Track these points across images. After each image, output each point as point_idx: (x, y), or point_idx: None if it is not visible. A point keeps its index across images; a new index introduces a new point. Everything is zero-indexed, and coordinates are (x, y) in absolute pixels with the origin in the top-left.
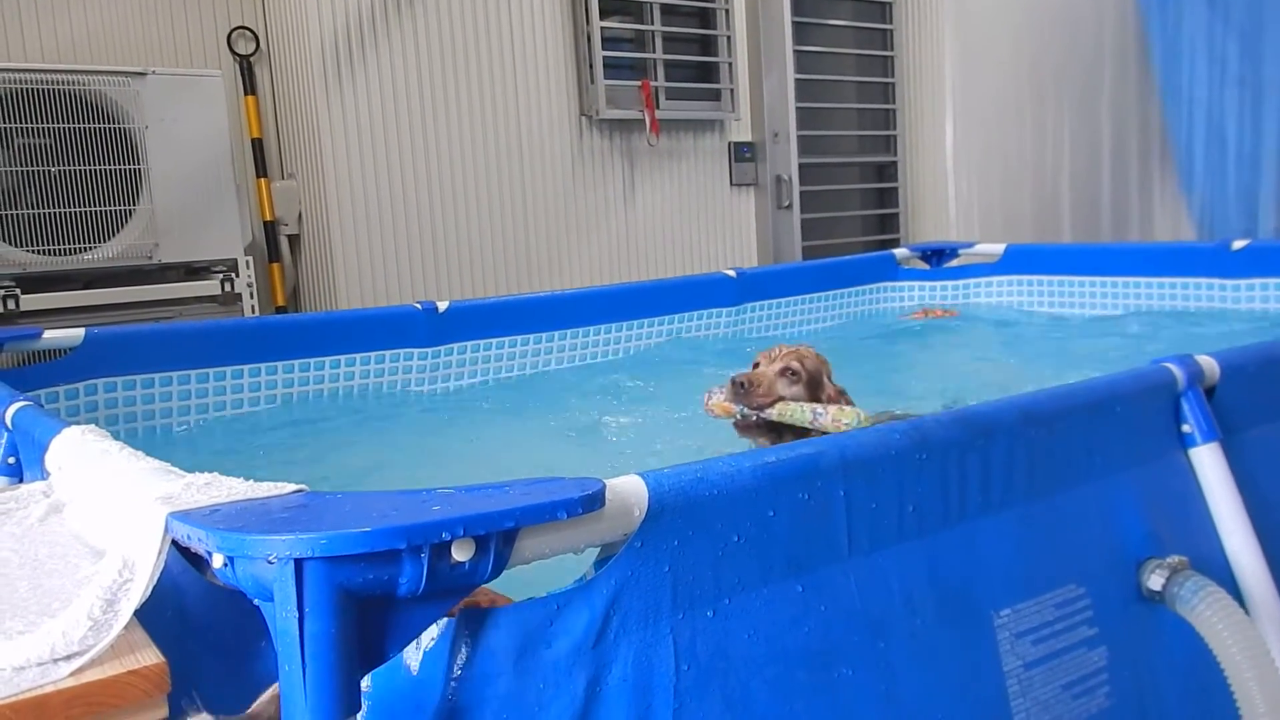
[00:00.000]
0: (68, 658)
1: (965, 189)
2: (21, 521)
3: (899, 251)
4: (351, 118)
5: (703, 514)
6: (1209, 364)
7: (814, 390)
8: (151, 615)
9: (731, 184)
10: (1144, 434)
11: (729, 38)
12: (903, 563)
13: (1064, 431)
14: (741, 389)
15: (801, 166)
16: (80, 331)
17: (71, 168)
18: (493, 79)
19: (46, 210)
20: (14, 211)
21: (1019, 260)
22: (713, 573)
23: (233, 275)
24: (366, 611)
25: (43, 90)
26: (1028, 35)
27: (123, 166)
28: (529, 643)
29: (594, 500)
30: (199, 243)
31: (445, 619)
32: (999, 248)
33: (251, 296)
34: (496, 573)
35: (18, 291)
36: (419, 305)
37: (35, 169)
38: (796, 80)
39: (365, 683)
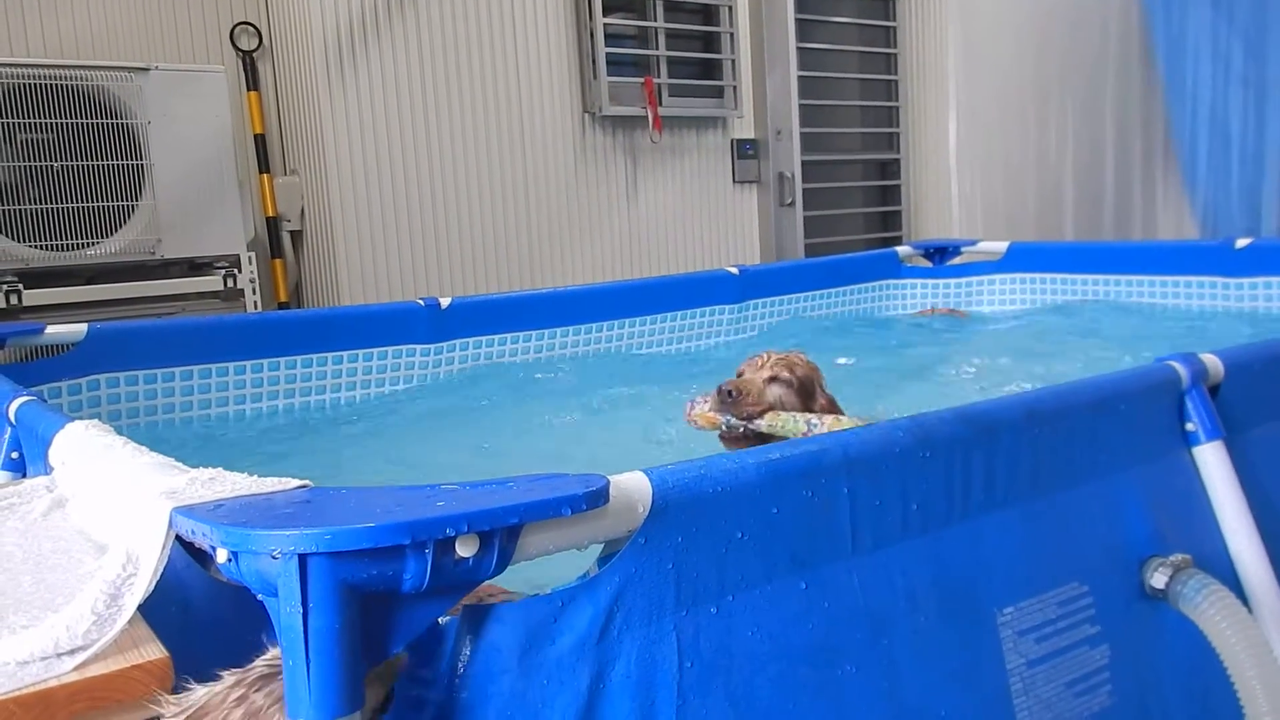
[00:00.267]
0: (71, 652)
1: (968, 187)
2: (25, 516)
3: (902, 249)
4: (354, 114)
5: (706, 511)
6: (1213, 362)
7: (806, 399)
8: (155, 610)
9: (734, 181)
10: (1148, 432)
11: (732, 34)
12: (906, 560)
13: (1067, 429)
14: (729, 398)
15: (804, 164)
16: (83, 327)
17: (74, 163)
18: (495, 75)
19: (49, 206)
20: (17, 207)
21: (1022, 258)
22: (716, 569)
23: (235, 271)
24: (370, 607)
25: (46, 86)
26: (1031, 33)
27: (125, 162)
28: (533, 639)
29: (598, 497)
30: (202, 238)
31: (449, 615)
32: (1002, 245)
33: (254, 292)
34: (500, 569)
35: (20, 287)
36: (421, 302)
37: (38, 164)
38: (799, 77)
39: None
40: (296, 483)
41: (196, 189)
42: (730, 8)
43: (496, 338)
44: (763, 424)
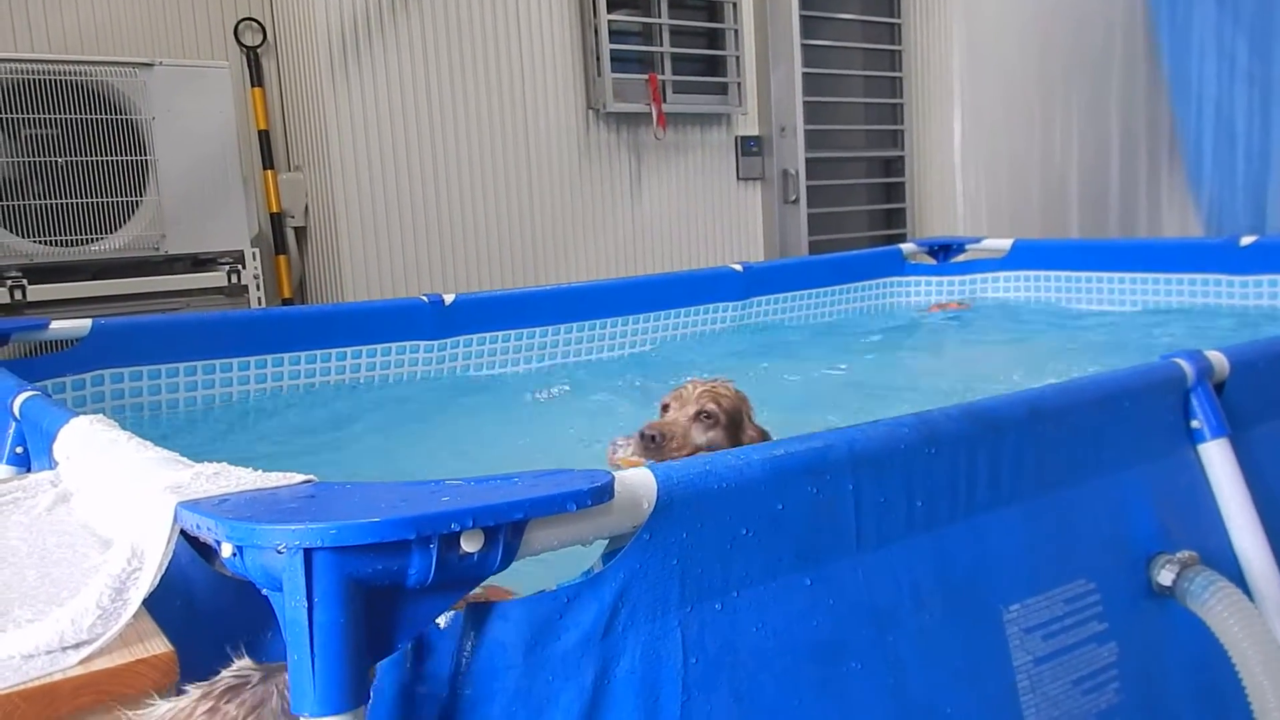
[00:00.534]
0: (77, 646)
1: (973, 184)
2: (30, 511)
3: (906, 246)
4: (358, 110)
5: (711, 507)
6: (1218, 359)
7: (734, 432)
8: (160, 604)
9: (738, 178)
10: (1153, 429)
11: (736, 31)
12: (911, 557)
13: (1073, 426)
14: (652, 443)
15: (808, 161)
16: (87, 322)
17: (78, 159)
18: (500, 72)
19: (54, 201)
20: (21, 202)
21: (1026, 256)
22: (721, 566)
23: (239, 267)
24: (375, 602)
25: (50, 81)
26: (1036, 30)
27: (129, 158)
28: (538, 635)
29: (603, 492)
30: (206, 234)
31: (455, 611)
32: (1006, 243)
33: (258, 288)
34: (505, 564)
35: (25, 282)
36: (425, 298)
37: (42, 160)
38: (804, 74)
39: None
40: (301, 478)
41: (201, 185)
42: (735, 4)
43: (500, 334)
44: None
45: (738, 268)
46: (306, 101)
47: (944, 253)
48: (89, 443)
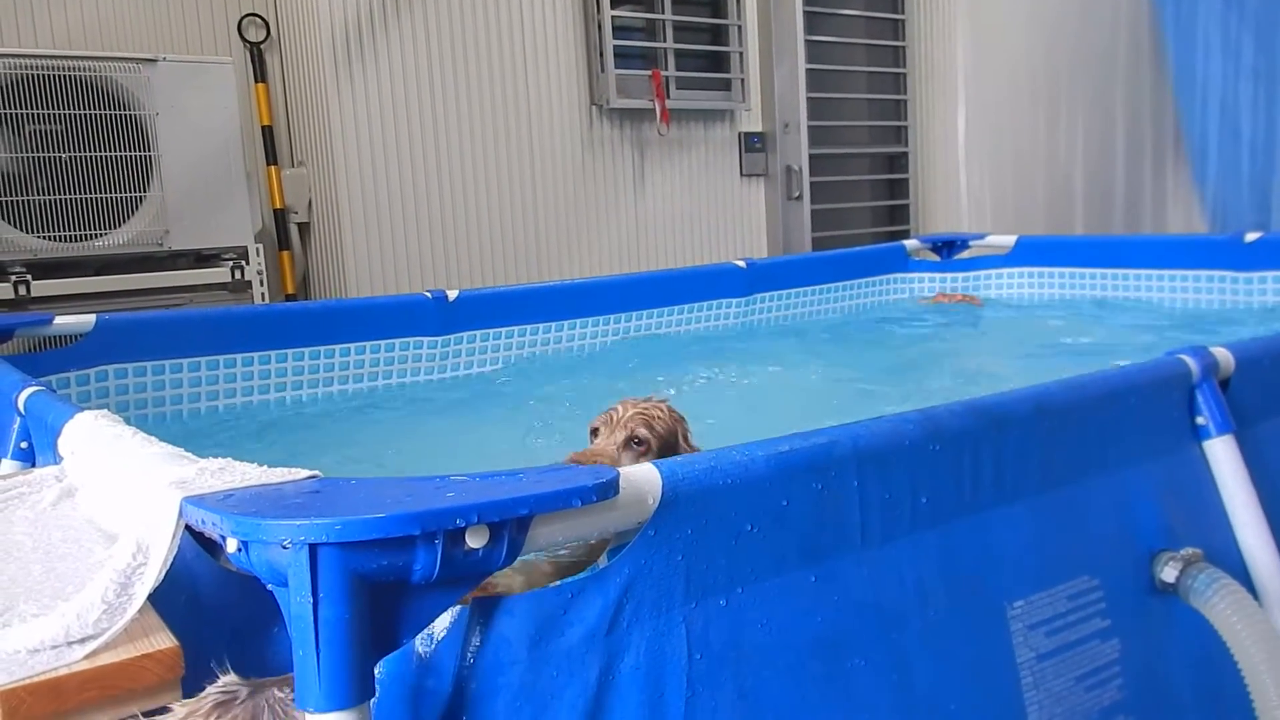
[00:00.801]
0: (82, 641)
1: (977, 180)
2: (34, 506)
3: (909, 243)
4: (362, 106)
5: (716, 503)
6: (1224, 356)
7: (668, 458)
8: (165, 599)
9: (741, 174)
10: (1158, 426)
11: (740, 27)
12: (916, 554)
13: (1077, 423)
14: None
15: (812, 157)
16: (91, 318)
17: (82, 154)
18: (503, 67)
19: (57, 197)
20: (25, 198)
21: (1030, 252)
22: (726, 562)
23: (243, 263)
24: (380, 597)
25: (54, 76)
26: (1040, 25)
27: (133, 153)
28: (543, 631)
29: (608, 488)
30: (209, 230)
31: (459, 606)
32: (1010, 239)
33: (261, 284)
34: (510, 560)
35: (29, 277)
36: (429, 294)
37: (46, 155)
38: (807, 70)
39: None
40: (306, 473)
41: (204, 180)
42: (738, 0)
43: (503, 330)
44: None
45: (741, 264)
46: (310, 97)
47: (948, 249)
48: (93, 438)
